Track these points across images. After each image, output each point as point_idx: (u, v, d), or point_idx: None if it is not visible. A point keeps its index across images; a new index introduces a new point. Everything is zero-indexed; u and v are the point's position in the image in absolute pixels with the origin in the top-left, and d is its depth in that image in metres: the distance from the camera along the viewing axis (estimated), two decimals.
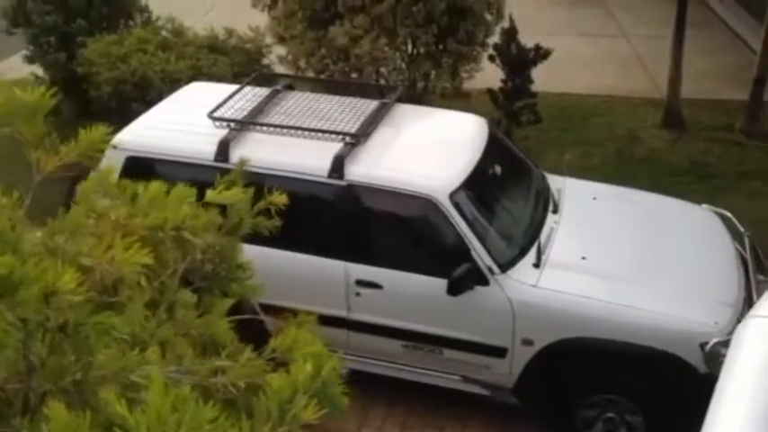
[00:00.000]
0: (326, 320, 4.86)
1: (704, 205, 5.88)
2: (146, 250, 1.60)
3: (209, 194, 2.21)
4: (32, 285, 1.40)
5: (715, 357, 4.59)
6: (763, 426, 2.40)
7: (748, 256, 5.32)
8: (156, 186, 1.99)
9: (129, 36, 7.73)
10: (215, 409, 1.37)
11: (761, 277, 5.26)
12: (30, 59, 8.47)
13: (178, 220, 1.87)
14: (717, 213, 5.73)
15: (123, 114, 6.39)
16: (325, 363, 1.63)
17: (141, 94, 7.14)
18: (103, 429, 1.38)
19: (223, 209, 2.44)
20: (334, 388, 1.61)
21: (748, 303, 4.92)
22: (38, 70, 8.43)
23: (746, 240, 5.44)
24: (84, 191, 1.94)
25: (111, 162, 3.03)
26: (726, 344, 4.60)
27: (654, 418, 4.81)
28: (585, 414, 4.96)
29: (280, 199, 2.51)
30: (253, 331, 2.92)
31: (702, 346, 4.59)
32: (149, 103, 6.19)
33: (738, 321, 4.74)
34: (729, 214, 5.69)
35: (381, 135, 5.32)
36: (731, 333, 4.66)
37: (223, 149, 5.16)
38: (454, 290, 4.77)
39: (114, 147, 5.09)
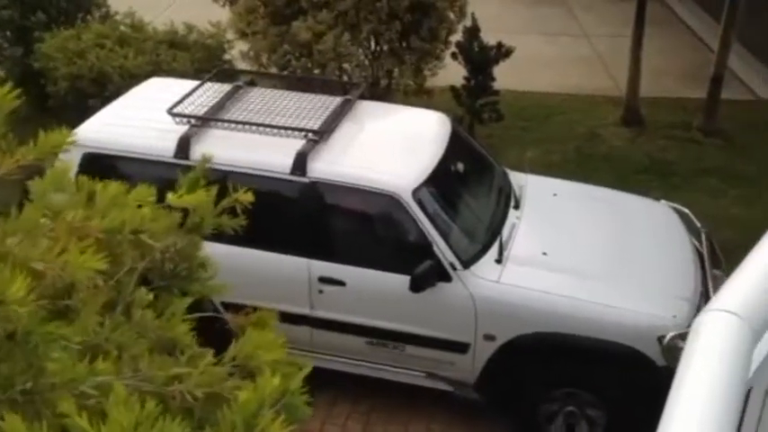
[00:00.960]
0: (290, 318, 4.90)
1: (662, 201, 5.98)
2: (101, 255, 1.57)
3: (171, 198, 2.17)
4: None
5: (672, 350, 4.67)
6: (721, 415, 2.45)
7: (705, 251, 5.42)
8: (115, 187, 1.95)
9: (87, 31, 7.60)
10: (182, 425, 1.34)
11: (717, 272, 5.36)
12: None
13: (137, 222, 1.84)
14: (675, 209, 5.83)
15: (81, 110, 6.29)
16: (293, 374, 1.61)
17: (99, 90, 7.03)
18: None
19: (184, 209, 2.40)
20: (297, 398, 1.59)
21: (705, 298, 5.02)
22: None
23: (703, 236, 5.54)
24: (39, 189, 1.89)
25: (68, 159, 2.98)
26: (683, 337, 4.70)
27: (614, 410, 4.88)
28: (547, 408, 5.01)
29: (246, 197, 2.48)
30: (215, 330, 2.90)
31: (660, 339, 4.66)
32: (107, 99, 6.09)
33: (695, 315, 4.84)
34: (687, 210, 5.78)
35: (344, 132, 5.30)
36: (688, 327, 4.75)
37: (183, 146, 5.09)
38: (417, 286, 4.78)
39: (71, 144, 5.03)
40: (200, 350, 1.90)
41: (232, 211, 2.57)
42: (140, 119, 5.42)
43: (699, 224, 5.64)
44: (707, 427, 2.23)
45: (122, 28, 7.82)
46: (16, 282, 1.40)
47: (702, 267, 5.28)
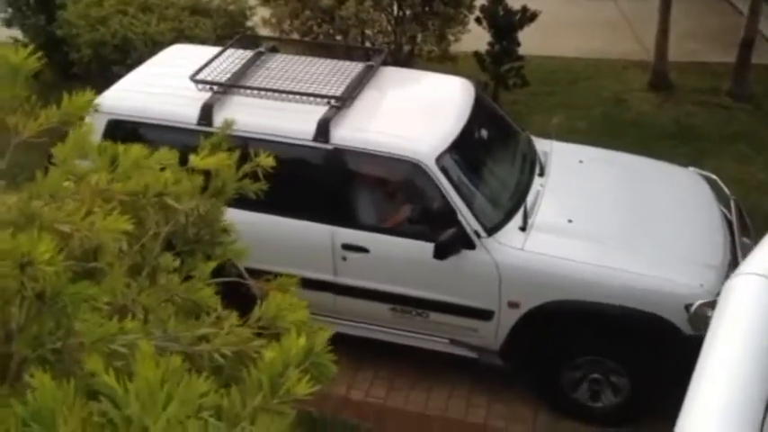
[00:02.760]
0: (313, 284, 4.91)
1: (690, 168, 5.89)
2: (126, 217, 1.56)
3: (193, 160, 2.16)
4: (7, 258, 1.37)
5: (700, 319, 4.63)
6: (751, 374, 2.42)
7: (734, 219, 5.33)
8: (137, 150, 1.94)
9: None
10: (207, 382, 1.34)
11: (746, 240, 5.29)
12: (8, 23, 8.30)
13: (160, 185, 1.83)
14: (703, 176, 5.74)
15: (104, 77, 6.29)
16: (318, 335, 1.61)
17: (122, 57, 7.03)
18: (88, 399, 1.36)
19: (208, 171, 2.39)
20: (322, 356, 1.59)
21: (733, 266, 4.95)
22: (17, 33, 8.27)
23: (732, 203, 5.46)
24: (62, 153, 1.88)
25: (92, 125, 2.97)
26: (711, 305, 4.65)
27: (639, 379, 4.86)
28: (571, 376, 5.00)
29: (267, 161, 2.46)
30: (238, 294, 2.91)
31: (687, 307, 4.62)
32: (130, 66, 6.09)
33: (723, 284, 4.78)
34: (715, 177, 5.69)
35: (367, 98, 5.26)
36: (716, 295, 4.70)
37: (206, 113, 5.09)
38: (440, 254, 4.76)
39: (95, 109, 5.04)
40: (226, 312, 1.91)
41: (254, 177, 2.56)
42: (163, 86, 5.42)
43: (727, 191, 5.56)
44: (737, 386, 2.20)
45: None
46: (44, 242, 1.40)
47: (731, 235, 5.21)
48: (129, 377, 1.31)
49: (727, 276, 4.84)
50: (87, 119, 2.10)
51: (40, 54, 1.80)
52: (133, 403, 1.27)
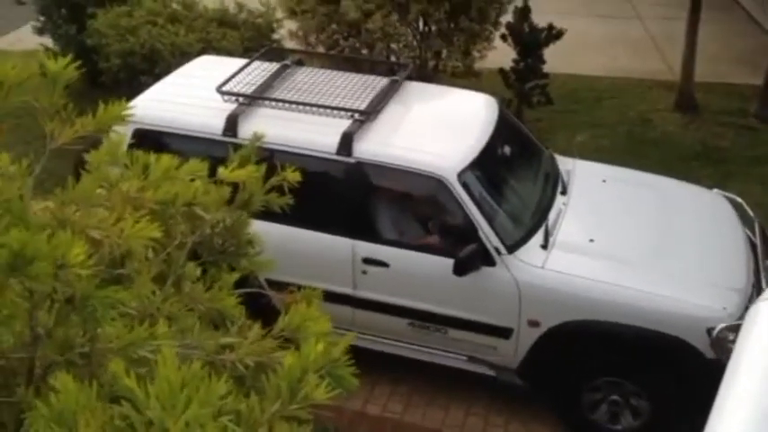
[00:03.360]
0: (333, 297, 4.91)
1: (715, 190, 5.84)
2: (155, 224, 1.59)
3: (222, 172, 2.19)
4: (45, 260, 1.39)
5: (722, 343, 4.58)
6: None
7: (758, 241, 5.28)
8: (167, 160, 1.97)
9: (139, 8, 7.68)
10: (227, 384, 1.36)
11: None
12: (39, 31, 8.44)
13: (189, 195, 1.86)
14: (727, 198, 5.69)
15: (133, 87, 6.37)
16: (336, 343, 1.62)
17: (150, 67, 7.11)
18: (110, 402, 1.37)
19: (235, 183, 2.42)
20: (343, 369, 1.60)
21: (757, 289, 4.90)
22: (47, 41, 8.40)
23: (757, 226, 5.41)
24: (94, 160, 1.92)
25: (124, 135, 3.01)
26: (733, 329, 4.60)
27: (659, 401, 4.81)
28: (590, 397, 4.96)
29: (293, 176, 2.49)
30: (259, 306, 2.92)
31: (709, 331, 4.57)
32: (158, 76, 6.16)
33: (747, 308, 4.73)
34: (740, 200, 5.65)
35: (391, 112, 5.28)
36: (739, 319, 4.65)
37: (231, 124, 5.13)
38: (460, 270, 4.75)
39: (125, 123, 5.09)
40: (249, 322, 1.92)
41: (279, 190, 2.58)
42: (190, 96, 5.48)
43: (752, 214, 5.51)
44: (760, 416, 2.18)
45: (174, 5, 7.89)
46: (77, 246, 1.43)
47: (755, 258, 5.15)
48: (150, 381, 1.33)
49: (750, 300, 4.80)
50: (118, 128, 2.13)
51: (77, 64, 1.84)
52: (154, 405, 1.28)
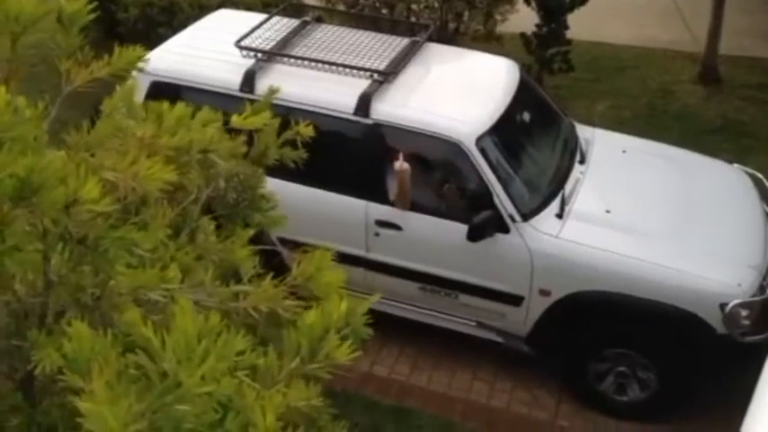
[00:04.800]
0: (345, 259, 4.87)
1: (735, 165, 5.76)
2: (170, 167, 1.56)
3: (235, 119, 2.16)
4: (53, 190, 1.36)
5: (734, 319, 4.55)
6: None
7: None
8: (181, 108, 1.94)
9: None
10: (245, 340, 1.34)
11: None
12: None
13: (205, 142, 1.83)
14: (748, 173, 5.61)
15: (150, 39, 6.30)
16: (359, 303, 1.59)
17: (169, 19, 7.04)
18: (125, 350, 1.36)
19: (248, 139, 2.39)
20: (358, 319, 1.57)
21: None
22: None
23: None
24: (108, 107, 1.89)
25: (137, 82, 2.98)
26: (746, 306, 4.56)
27: (667, 375, 4.80)
28: (598, 367, 4.95)
29: (306, 130, 2.46)
30: (271, 264, 2.91)
31: (722, 306, 4.53)
32: (176, 29, 6.10)
33: (762, 284, 4.68)
34: (760, 175, 5.57)
35: (410, 74, 5.21)
36: (753, 295, 4.61)
37: (249, 79, 5.08)
38: (474, 236, 4.72)
39: (140, 69, 5.05)
40: (261, 272, 1.91)
41: (293, 145, 2.55)
42: (208, 50, 5.42)
43: None
44: None
45: None
46: (90, 182, 1.40)
47: None
48: (166, 330, 1.31)
49: (765, 277, 4.75)
50: (133, 77, 2.10)
51: (93, 5, 1.79)
52: (169, 357, 1.27)
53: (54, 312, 1.57)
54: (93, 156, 1.60)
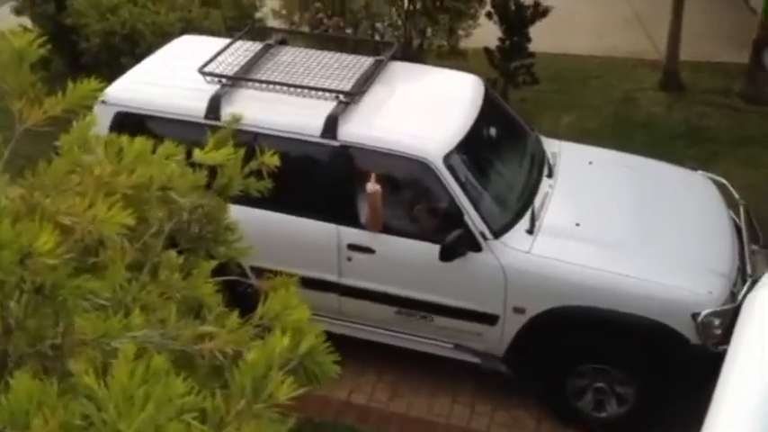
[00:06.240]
0: (318, 285, 4.86)
1: (700, 172, 5.81)
2: (129, 210, 1.52)
3: (198, 154, 2.12)
4: (6, 248, 1.32)
5: (707, 328, 4.57)
6: None
7: (743, 224, 5.26)
8: (141, 142, 1.90)
9: None
10: (187, 382, 1.30)
11: (755, 247, 5.22)
12: (18, 11, 8.25)
13: (164, 178, 1.79)
14: (712, 180, 5.67)
15: (113, 68, 6.24)
16: (306, 333, 1.56)
17: (131, 47, 6.98)
18: (74, 399, 1.31)
19: (212, 168, 2.35)
20: (323, 356, 1.54)
21: (742, 273, 4.89)
22: (26, 22, 8.22)
23: (741, 209, 5.39)
24: (66, 143, 1.84)
25: (100, 117, 2.94)
26: (719, 314, 4.58)
27: (644, 388, 4.80)
28: (576, 383, 4.94)
29: (272, 160, 2.42)
30: (241, 292, 2.86)
31: (695, 316, 4.55)
32: (139, 57, 6.04)
33: (732, 291, 4.71)
34: (725, 181, 5.62)
35: (376, 93, 5.20)
36: (724, 304, 4.64)
37: (214, 106, 5.03)
38: (446, 255, 4.70)
39: (103, 101, 5.00)
40: (226, 310, 1.86)
41: (259, 174, 2.52)
42: (172, 77, 5.37)
43: (737, 196, 5.48)
44: (760, 402, 2.15)
45: None
46: (45, 233, 1.36)
47: (740, 241, 5.13)
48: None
49: (735, 284, 4.78)
50: (95, 110, 2.06)
51: (43, 40, 1.74)
52: (109, 406, 1.23)
53: (14, 361, 1.51)
54: (48, 197, 1.56)
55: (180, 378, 1.29)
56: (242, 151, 2.46)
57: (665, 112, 8.05)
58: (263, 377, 1.41)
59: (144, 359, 1.29)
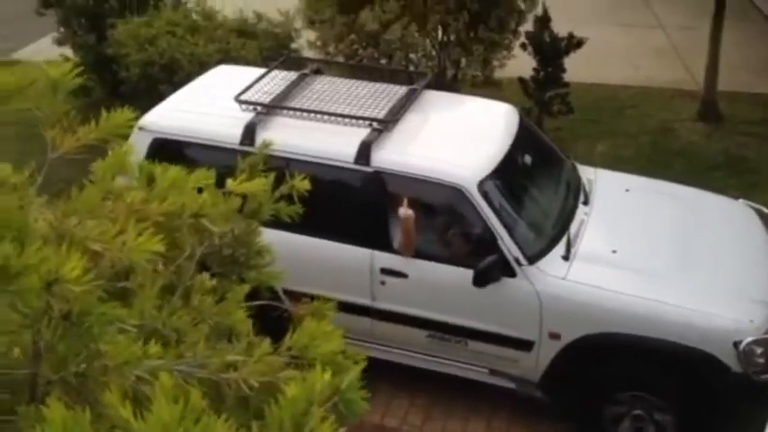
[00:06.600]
0: (351, 308, 4.86)
1: (741, 200, 5.72)
2: (158, 237, 1.53)
3: (230, 184, 2.13)
4: (31, 275, 1.33)
5: (749, 357, 4.47)
6: None
7: None
8: (175, 170, 1.92)
9: (159, 18, 7.70)
10: (228, 423, 1.28)
11: None
12: (59, 41, 8.49)
13: (196, 206, 1.80)
14: (754, 209, 5.57)
15: (152, 96, 6.37)
16: (347, 368, 1.54)
17: (169, 77, 7.12)
18: (106, 428, 1.31)
19: (244, 194, 2.36)
20: (354, 393, 1.51)
21: None
22: (68, 52, 8.44)
23: None
24: (100, 170, 1.87)
25: (137, 144, 2.99)
26: (761, 343, 4.48)
27: (684, 416, 4.69)
28: (613, 411, 4.84)
29: (302, 184, 2.43)
30: (274, 318, 2.86)
31: (736, 344, 4.45)
32: (177, 86, 6.15)
33: None
34: (766, 210, 5.52)
35: (409, 121, 5.23)
36: (766, 332, 4.53)
37: (249, 133, 5.10)
38: (480, 281, 4.68)
39: (140, 128, 5.10)
40: (257, 338, 1.85)
41: (290, 199, 2.53)
42: (208, 105, 5.46)
43: None
44: None
45: (193, 16, 7.90)
46: (72, 260, 1.37)
47: None
48: (149, 409, 1.26)
49: None
50: (132, 137, 2.09)
51: (80, 69, 1.78)
52: None
53: (42, 385, 1.52)
54: (78, 223, 1.58)
55: (221, 418, 1.27)
56: (272, 177, 2.48)
57: (703, 142, 7.95)
58: (303, 413, 1.39)
59: (181, 394, 1.27)
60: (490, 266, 4.66)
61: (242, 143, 5.06)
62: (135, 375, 1.42)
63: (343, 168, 4.97)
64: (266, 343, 1.75)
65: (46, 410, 1.27)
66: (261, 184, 2.13)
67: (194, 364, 1.56)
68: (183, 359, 1.56)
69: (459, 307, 4.88)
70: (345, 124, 5.11)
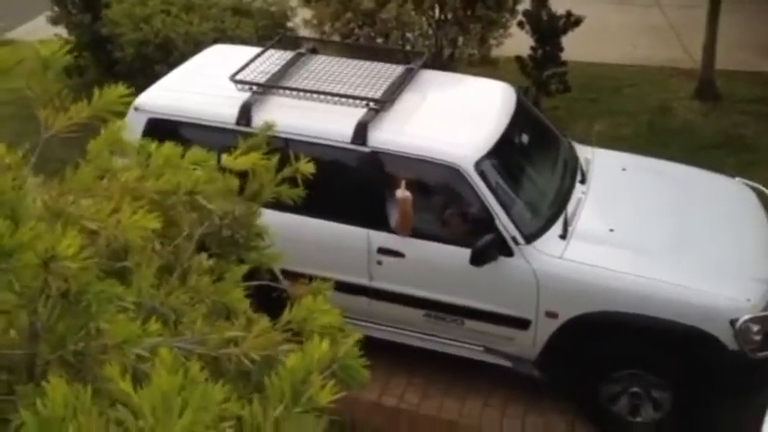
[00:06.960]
0: (348, 288, 4.87)
1: (737, 178, 5.71)
2: (154, 214, 1.52)
3: (225, 159, 2.12)
4: (27, 252, 1.33)
5: (745, 334, 4.49)
6: None
7: None
8: (170, 148, 1.91)
9: None
10: (225, 389, 1.29)
11: None
12: (54, 21, 8.41)
13: (191, 184, 1.79)
14: (751, 187, 5.57)
15: (147, 76, 6.33)
16: (343, 338, 1.55)
17: (164, 56, 7.07)
18: (106, 405, 1.31)
19: (245, 174, 2.35)
20: (354, 361, 1.52)
21: None
22: (62, 32, 8.37)
23: None
24: (94, 149, 1.85)
25: (133, 124, 2.97)
26: (757, 321, 4.50)
27: (681, 393, 4.72)
28: (610, 389, 4.87)
29: (307, 167, 2.42)
30: (272, 298, 2.87)
31: (733, 322, 4.47)
32: (172, 65, 6.11)
33: None
34: (763, 188, 5.52)
35: (406, 101, 5.20)
36: (763, 310, 4.55)
37: (245, 113, 5.08)
38: (477, 260, 4.68)
39: (136, 108, 5.08)
40: (255, 315, 1.86)
41: (292, 181, 2.52)
42: (204, 85, 5.43)
43: None
44: None
45: None
46: (68, 237, 1.36)
47: None
48: (149, 383, 1.27)
49: None
50: (128, 116, 2.07)
51: (70, 48, 1.76)
52: (147, 413, 1.22)
53: (42, 363, 1.52)
54: (73, 202, 1.57)
55: (218, 385, 1.28)
56: (275, 158, 2.46)
57: (701, 121, 7.93)
58: (302, 382, 1.40)
59: (181, 366, 1.28)
60: (487, 245, 4.66)
61: (238, 123, 5.04)
62: (135, 354, 1.42)
63: (339, 148, 4.95)
64: (265, 319, 1.75)
65: (47, 386, 1.27)
66: (256, 159, 2.11)
67: (193, 340, 1.56)
68: (182, 336, 1.56)
69: (456, 286, 4.89)
70: (342, 104, 5.08)
